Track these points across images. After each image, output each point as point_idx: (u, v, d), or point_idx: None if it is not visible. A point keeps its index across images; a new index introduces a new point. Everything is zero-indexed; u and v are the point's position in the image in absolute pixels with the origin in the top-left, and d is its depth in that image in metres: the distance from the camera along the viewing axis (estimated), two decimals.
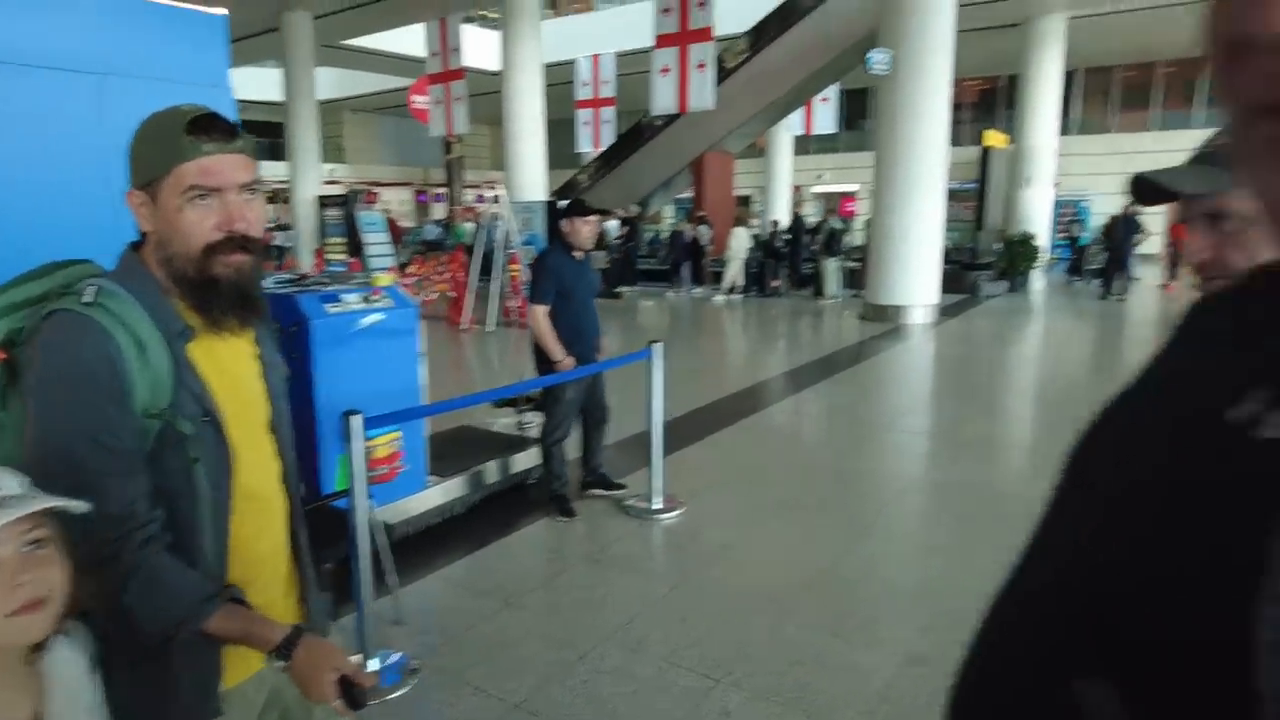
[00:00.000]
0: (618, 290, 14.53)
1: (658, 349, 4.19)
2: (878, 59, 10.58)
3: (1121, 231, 13.58)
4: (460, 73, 15.70)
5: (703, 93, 12.88)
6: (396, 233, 15.33)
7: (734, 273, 14.36)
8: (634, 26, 19.11)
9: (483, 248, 11.22)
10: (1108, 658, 0.40)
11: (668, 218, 24.37)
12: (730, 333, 11.61)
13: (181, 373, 1.09)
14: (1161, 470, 0.44)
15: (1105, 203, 20.56)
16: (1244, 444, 0.38)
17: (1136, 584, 0.40)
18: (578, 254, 4.18)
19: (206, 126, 1.07)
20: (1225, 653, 0.34)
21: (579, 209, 4.20)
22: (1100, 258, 14.83)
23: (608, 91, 17.16)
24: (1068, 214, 21.31)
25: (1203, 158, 1.07)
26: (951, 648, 0.53)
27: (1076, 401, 6.95)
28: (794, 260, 15.07)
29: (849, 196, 25.75)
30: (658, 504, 4.16)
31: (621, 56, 17.41)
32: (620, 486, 4.46)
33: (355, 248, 9.68)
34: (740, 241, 14.38)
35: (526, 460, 4.51)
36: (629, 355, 4.41)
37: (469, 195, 25.23)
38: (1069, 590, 0.45)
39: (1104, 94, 23.87)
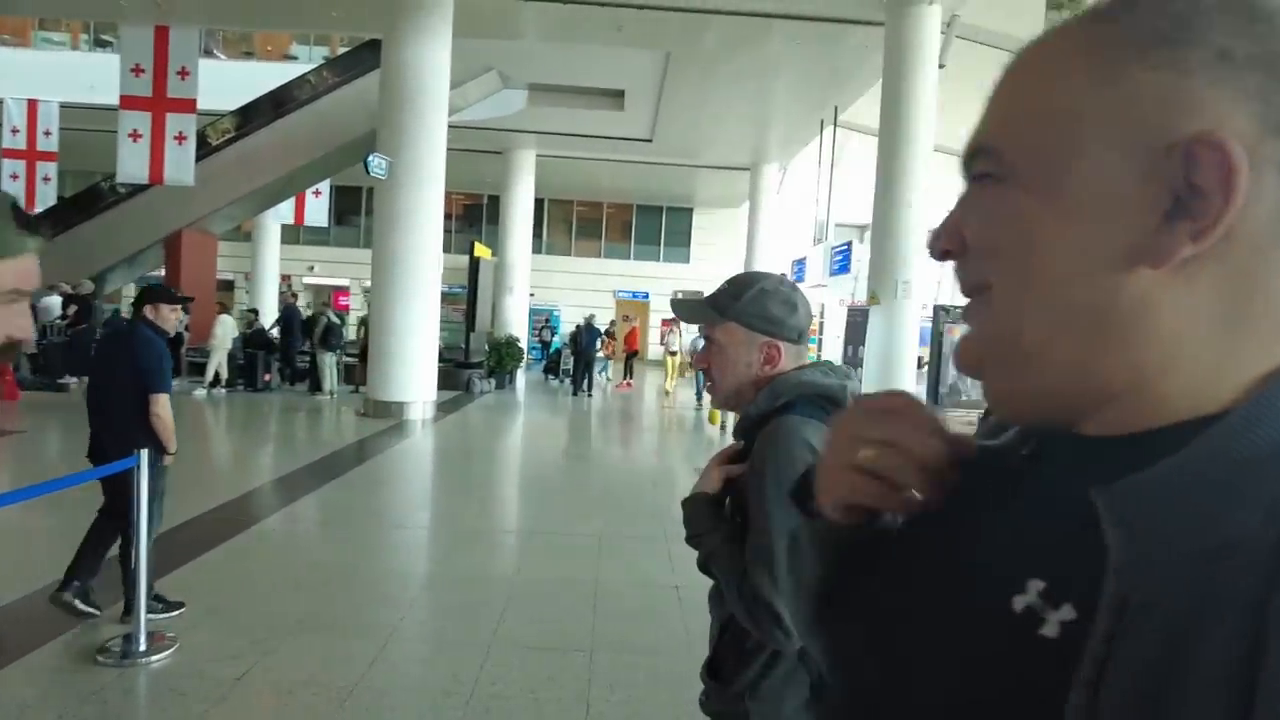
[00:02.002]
0: (62, 382, 11.90)
1: (145, 455, 3.60)
2: (376, 163, 10.89)
3: (585, 338, 15.96)
4: None
5: (181, 166, 11.70)
6: None
7: (218, 364, 12.95)
8: (88, 76, 16.55)
9: None
10: None
11: (130, 297, 20.98)
12: (216, 433, 10.37)
13: None
14: (961, 655, 0.47)
15: (571, 313, 23.98)
16: (1032, 639, 0.42)
17: None
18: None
19: (28, 219, 0.87)
20: None
21: (166, 295, 4.05)
22: (570, 360, 17.17)
23: (49, 144, 14.37)
24: (541, 321, 24.28)
25: (709, 299, 1.51)
26: None
27: (562, 484, 7.88)
28: (288, 353, 14.22)
29: (342, 290, 25.44)
30: (143, 645, 3.49)
31: (68, 108, 14.84)
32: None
33: None
34: (226, 329, 13.08)
35: None
36: (118, 463, 3.68)
37: None
38: None
39: (566, 222, 28.12)
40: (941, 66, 10.96)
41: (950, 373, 9.44)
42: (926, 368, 10.22)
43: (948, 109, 11.39)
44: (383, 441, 9.31)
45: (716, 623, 1.45)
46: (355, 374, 13.78)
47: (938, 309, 10.60)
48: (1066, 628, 0.41)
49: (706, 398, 10.89)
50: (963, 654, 0.46)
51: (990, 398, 0.50)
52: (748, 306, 1.45)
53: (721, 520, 1.38)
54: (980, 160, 0.48)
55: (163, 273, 15.75)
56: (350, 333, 18.44)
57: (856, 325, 12.13)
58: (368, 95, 13.13)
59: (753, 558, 1.27)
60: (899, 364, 10.46)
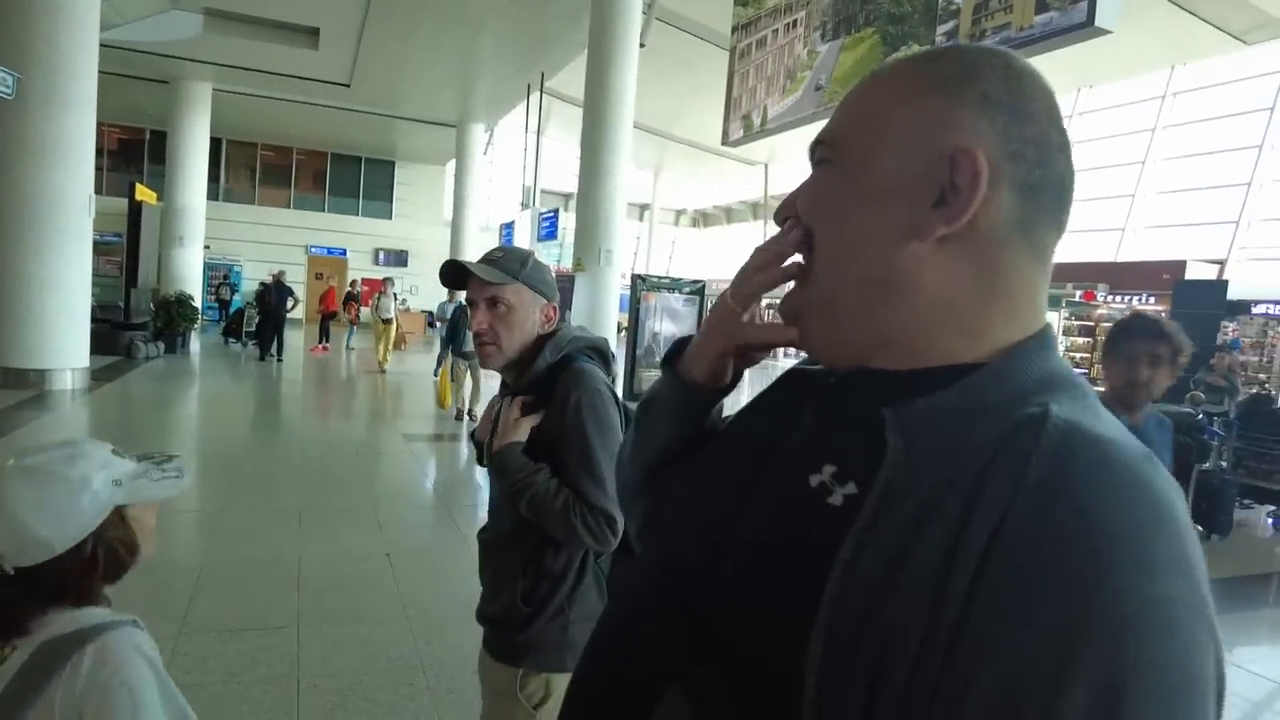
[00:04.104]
0: None
1: None
2: None
3: (275, 296, 14.54)
4: None
5: None
6: None
7: None
8: None
9: None
10: (711, 650, 0.56)
11: None
12: None
13: None
14: (763, 516, 0.59)
15: (255, 269, 21.77)
16: (822, 506, 0.55)
17: (742, 601, 0.56)
18: None
19: None
20: (791, 655, 0.50)
21: None
22: (256, 321, 15.58)
23: None
24: (219, 277, 21.76)
25: (498, 264, 1.60)
26: None
27: (254, 459, 7.28)
28: None
29: None
30: None
31: None
32: None
33: None
34: None
35: None
36: None
37: None
38: (684, 606, 0.59)
39: (249, 167, 25.29)
40: (642, 46, 11.59)
41: (646, 336, 10.21)
42: (625, 332, 10.90)
43: (645, 87, 12.11)
44: (19, 416, 7.85)
45: (519, 559, 1.58)
46: None
47: (635, 278, 11.36)
48: (848, 499, 0.54)
49: (444, 371, 10.21)
50: (767, 514, 0.59)
51: (804, 340, 0.64)
52: (533, 273, 1.62)
53: (532, 461, 1.54)
54: (821, 148, 0.62)
55: None
56: None
57: (563, 290, 12.52)
58: None
59: (583, 477, 1.51)
60: (602, 328, 11.05)
